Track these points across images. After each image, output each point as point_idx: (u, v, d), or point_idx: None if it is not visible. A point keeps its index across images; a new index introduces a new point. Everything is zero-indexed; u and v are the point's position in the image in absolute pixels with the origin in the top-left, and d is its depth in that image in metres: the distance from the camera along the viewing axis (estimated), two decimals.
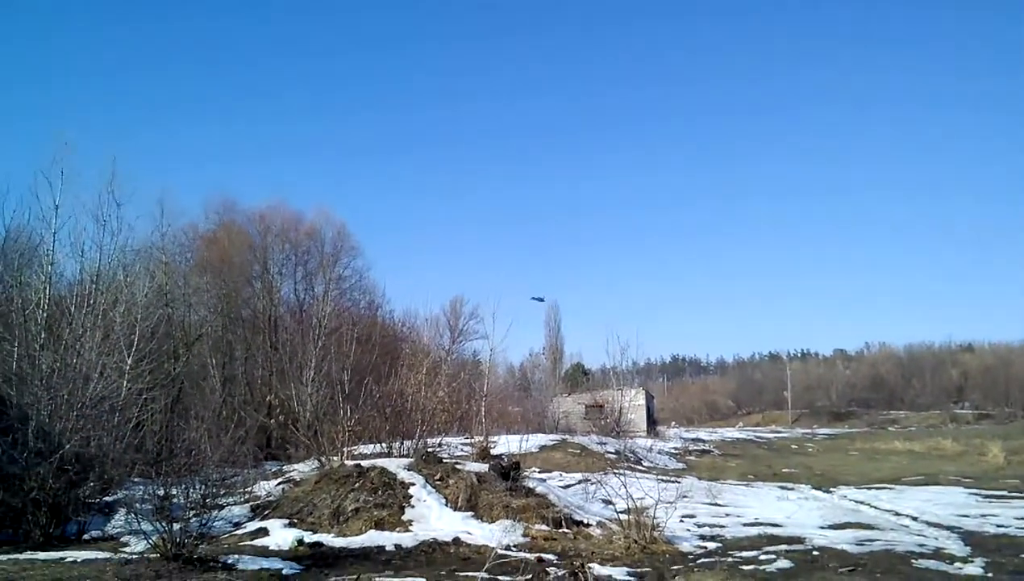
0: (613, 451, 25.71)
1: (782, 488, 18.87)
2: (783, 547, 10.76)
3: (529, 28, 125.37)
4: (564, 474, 19.84)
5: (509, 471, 13.99)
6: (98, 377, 14.01)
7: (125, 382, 15.44)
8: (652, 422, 43.24)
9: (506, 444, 20.74)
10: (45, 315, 16.59)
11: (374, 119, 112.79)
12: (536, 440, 25.49)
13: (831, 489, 18.42)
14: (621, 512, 11.69)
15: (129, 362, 15.99)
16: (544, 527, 11.74)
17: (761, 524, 13.01)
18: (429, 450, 16.89)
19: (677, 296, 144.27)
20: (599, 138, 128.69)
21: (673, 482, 17.96)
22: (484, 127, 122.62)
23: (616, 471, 16.38)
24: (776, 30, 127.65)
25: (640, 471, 20.98)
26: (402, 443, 17.63)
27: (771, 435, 54.72)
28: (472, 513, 12.28)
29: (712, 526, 12.86)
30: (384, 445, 17.70)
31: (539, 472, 18.99)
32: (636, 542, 10.61)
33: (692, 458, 29.74)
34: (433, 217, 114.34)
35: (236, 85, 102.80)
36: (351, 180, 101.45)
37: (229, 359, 28.41)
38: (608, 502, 13.08)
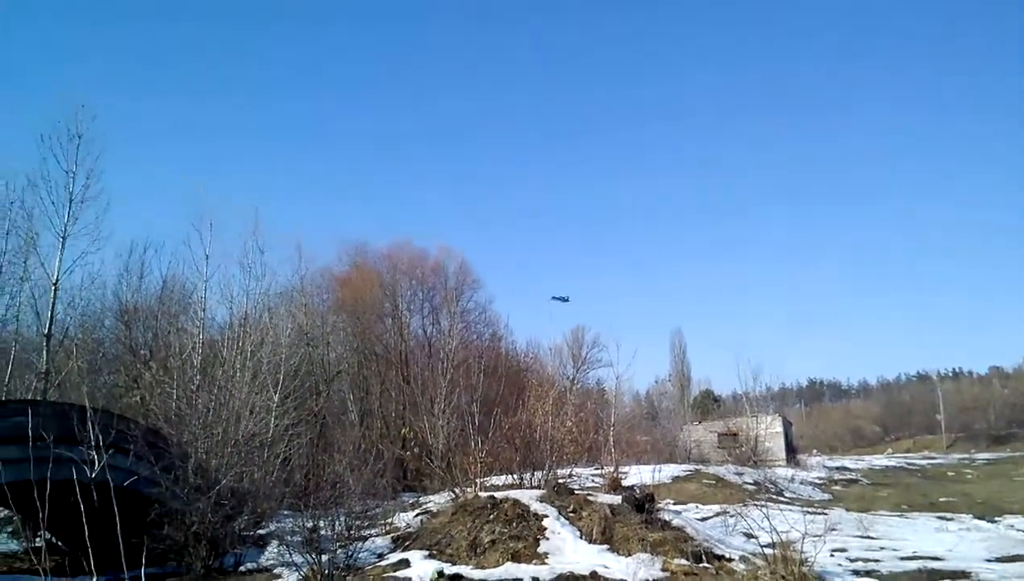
0: (751, 481, 24.75)
1: (940, 519, 17.57)
2: None
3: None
4: (700, 506, 19.30)
5: (643, 503, 13.78)
6: (249, 415, 15.00)
7: (273, 419, 16.41)
8: (791, 450, 41.23)
9: (637, 475, 20.39)
10: (200, 358, 17.98)
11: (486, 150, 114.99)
12: (668, 471, 24.94)
13: (996, 519, 16.97)
14: (765, 546, 11.22)
15: (276, 400, 16.99)
16: (683, 561, 11.45)
17: (920, 557, 12.18)
18: (560, 481, 16.87)
19: (812, 316, 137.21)
20: (728, 163, 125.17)
21: (820, 514, 17.08)
22: (609, 154, 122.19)
23: (756, 503, 15.77)
24: None
25: (782, 502, 20.06)
26: (532, 474, 17.69)
27: (924, 462, 50.84)
28: (607, 546, 12.16)
29: (866, 560, 12.15)
30: (515, 476, 17.84)
31: (673, 504, 18.56)
32: (783, 578, 10.16)
33: (838, 488, 28.12)
34: (549, 246, 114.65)
35: (355, 124, 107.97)
36: (469, 214, 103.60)
37: (365, 394, 29.61)
38: (750, 535, 12.61)
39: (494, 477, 18.24)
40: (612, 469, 19.53)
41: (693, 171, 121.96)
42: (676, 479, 24.00)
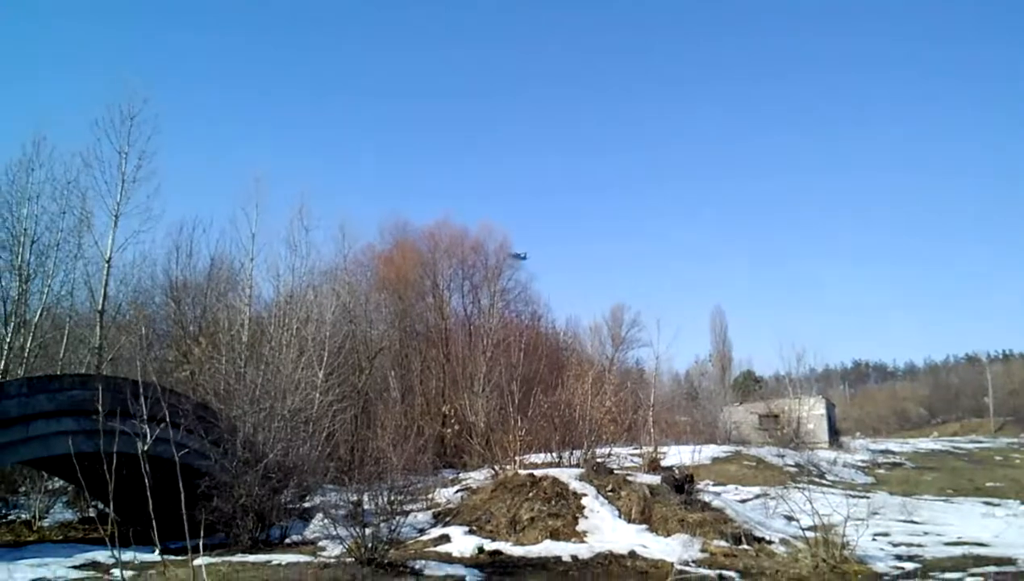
0: (793, 464, 24.48)
1: (987, 504, 17.22)
2: (992, 568, 9.85)
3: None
4: (740, 488, 19.16)
5: (683, 483, 13.77)
6: (295, 390, 15.32)
7: (318, 395, 16.72)
8: (834, 432, 40.61)
9: (677, 455, 20.38)
10: (247, 334, 18.40)
11: (533, 125, 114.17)
12: (708, 451, 24.80)
13: None
14: (806, 529, 11.15)
15: (321, 376, 17.31)
16: (723, 543, 11.44)
17: (965, 543, 11.96)
18: (599, 460, 16.92)
19: (857, 296, 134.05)
20: (764, 139, 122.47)
21: (862, 497, 16.88)
22: (657, 127, 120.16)
23: (798, 485, 15.63)
24: None
25: (824, 485, 19.84)
26: (571, 453, 17.79)
27: (971, 445, 49.64)
28: (646, 526, 12.20)
29: (909, 545, 11.99)
30: (554, 455, 17.95)
31: (713, 485, 18.48)
32: (824, 561, 10.08)
33: (882, 471, 27.66)
34: (591, 223, 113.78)
35: (394, 103, 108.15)
36: (511, 191, 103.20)
37: (406, 372, 29.94)
38: (791, 518, 12.53)
39: (533, 455, 18.38)
40: (651, 449, 19.53)
41: (734, 146, 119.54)
42: (716, 460, 23.84)
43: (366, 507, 10.61)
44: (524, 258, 44.02)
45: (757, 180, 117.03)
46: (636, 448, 21.90)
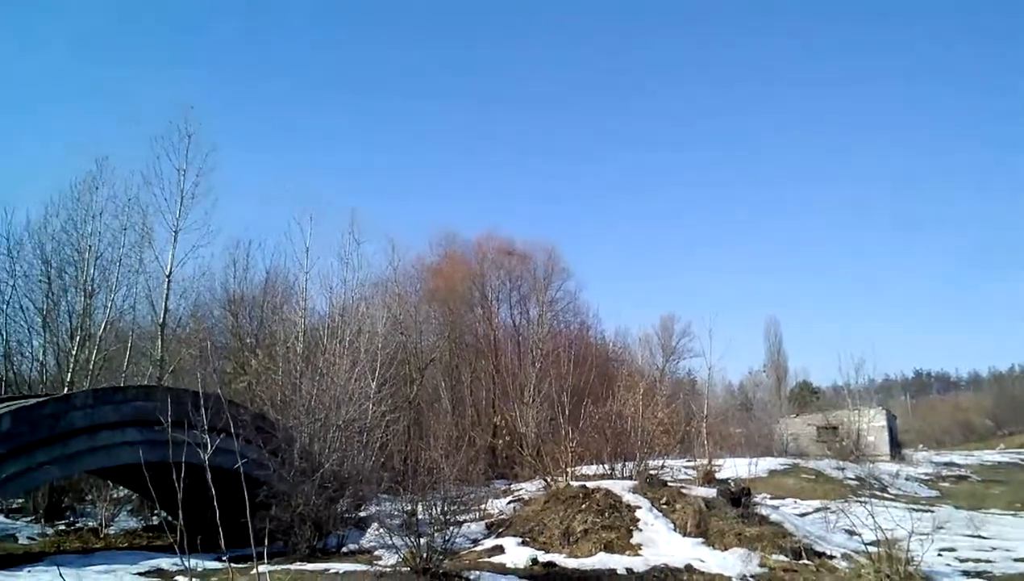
0: (853, 477, 23.86)
1: None
2: None
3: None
4: (799, 501, 18.76)
5: (739, 497, 13.52)
6: (348, 401, 15.49)
7: (371, 405, 16.88)
8: (895, 445, 39.46)
9: (732, 468, 20.00)
10: (302, 345, 18.74)
11: (581, 137, 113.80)
12: (765, 464, 24.32)
13: None
14: (869, 544, 10.81)
15: (373, 387, 17.48)
16: (782, 557, 11.17)
17: None
18: (652, 472, 16.72)
19: (918, 305, 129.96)
20: (814, 145, 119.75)
21: (926, 511, 16.32)
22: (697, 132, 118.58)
23: (859, 499, 15.20)
24: None
25: (886, 499, 19.27)
26: (624, 465, 17.61)
27: None
28: (702, 540, 11.99)
29: (976, 561, 11.57)
30: (606, 466, 17.80)
31: (771, 499, 18.11)
32: (888, 577, 9.76)
33: (946, 484, 26.76)
34: (639, 232, 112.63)
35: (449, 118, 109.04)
36: (558, 200, 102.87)
37: (456, 382, 30.10)
38: (852, 532, 12.17)
39: (584, 467, 18.26)
40: (705, 461, 19.20)
41: (793, 152, 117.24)
42: (773, 473, 23.38)
43: (420, 517, 10.66)
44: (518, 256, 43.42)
45: (815, 186, 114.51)
46: (690, 460, 21.60)
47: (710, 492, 13.82)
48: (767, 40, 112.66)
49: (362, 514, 14.15)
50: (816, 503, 17.84)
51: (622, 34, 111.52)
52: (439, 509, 10.43)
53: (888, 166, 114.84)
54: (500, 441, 23.55)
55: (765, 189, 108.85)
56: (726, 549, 11.51)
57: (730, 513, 12.73)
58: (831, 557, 11.49)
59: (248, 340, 22.55)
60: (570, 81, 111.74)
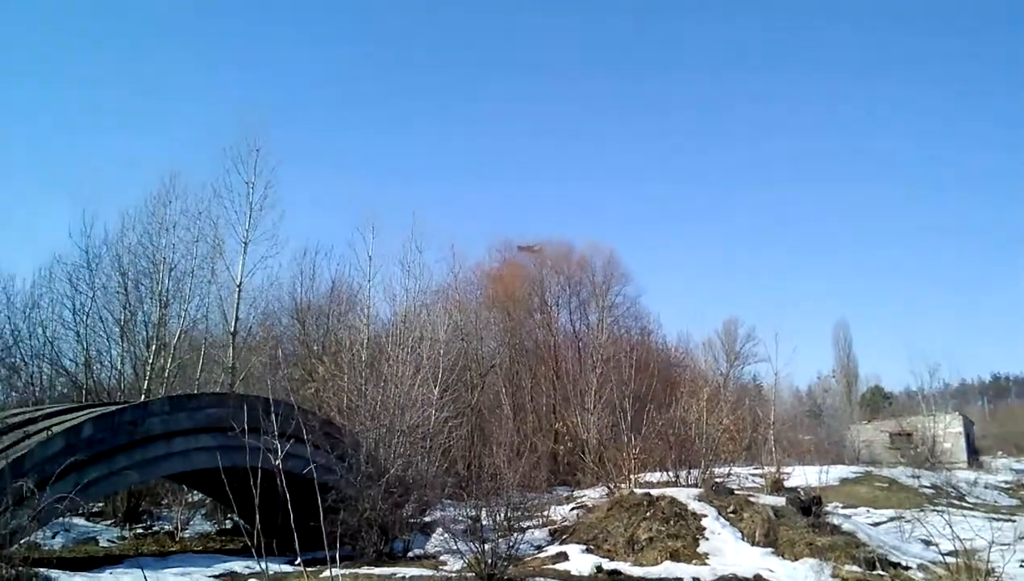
0: (928, 485, 22.97)
1: None
2: None
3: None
4: (872, 510, 18.18)
5: (809, 505, 13.20)
6: (412, 407, 15.70)
7: (434, 411, 17.05)
8: (973, 451, 37.90)
9: (802, 476, 19.49)
10: (367, 352, 19.08)
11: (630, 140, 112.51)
12: (836, 472, 23.64)
13: None
14: (946, 554, 10.40)
15: (436, 393, 17.66)
16: (855, 568, 10.84)
17: None
18: (717, 480, 16.46)
19: (995, 307, 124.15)
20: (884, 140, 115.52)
21: (1007, 520, 15.60)
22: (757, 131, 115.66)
23: (935, 508, 14.64)
24: None
25: (964, 508, 18.49)
26: (688, 472, 17.37)
27: None
28: (771, 549, 11.76)
29: None
30: (670, 474, 17.59)
31: (842, 507, 17.60)
32: None
33: None
34: (700, 235, 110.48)
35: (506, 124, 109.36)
36: (617, 205, 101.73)
37: (517, 388, 30.16)
38: (929, 542, 11.77)
39: (647, 474, 18.08)
40: (773, 469, 18.80)
41: (858, 145, 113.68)
42: (844, 481, 22.71)
43: (484, 523, 10.73)
44: (538, 251, 41.30)
45: (883, 185, 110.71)
46: (757, 468, 21.16)
47: (779, 500, 13.53)
48: (832, 30, 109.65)
49: (427, 519, 14.29)
50: (890, 512, 17.26)
51: (678, 30, 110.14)
52: (503, 515, 10.49)
53: (961, 167, 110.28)
54: (562, 447, 23.50)
55: (832, 187, 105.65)
56: (796, 559, 11.24)
57: (800, 522, 12.44)
58: (907, 568, 11.12)
59: (315, 347, 23.09)
60: (627, 82, 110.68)
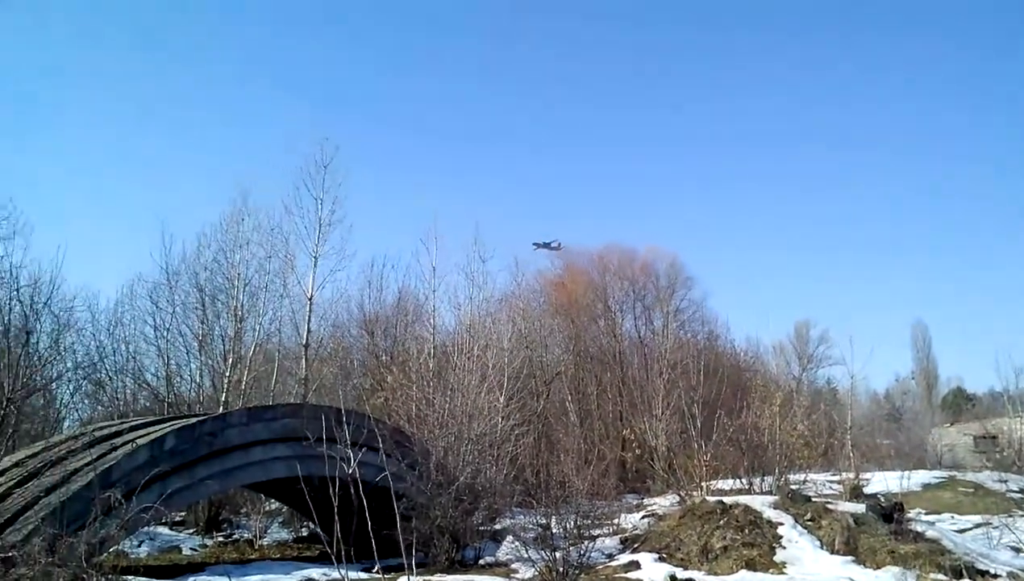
0: (1017, 490, 21.83)
1: None
2: None
3: None
4: (956, 516, 17.36)
5: (891, 512, 12.74)
6: (479, 415, 15.83)
7: (500, 419, 17.16)
8: None
9: (882, 482, 18.84)
10: (433, 362, 19.35)
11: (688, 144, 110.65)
12: (917, 477, 22.65)
13: None
14: None
15: (502, 401, 17.77)
16: (941, 577, 10.41)
17: None
18: (793, 487, 16.04)
19: None
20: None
21: None
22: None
23: None
24: None
25: None
26: (762, 479, 16.99)
27: None
28: (852, 558, 11.39)
29: None
30: (743, 481, 17.24)
31: (925, 514, 16.88)
32: None
33: None
34: (766, 236, 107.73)
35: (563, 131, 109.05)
36: (682, 208, 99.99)
37: (583, 395, 30.05)
38: (1018, 549, 11.24)
39: (719, 481, 17.76)
40: (851, 475, 18.21)
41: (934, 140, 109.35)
42: (927, 486, 21.74)
43: (554, 531, 10.72)
44: (558, 248, 40.11)
45: (960, 180, 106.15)
46: (834, 474, 20.52)
47: (858, 507, 13.11)
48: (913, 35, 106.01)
49: (497, 527, 14.36)
50: (976, 518, 16.44)
51: (738, 31, 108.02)
52: (572, 523, 10.45)
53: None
54: (630, 455, 23.23)
55: (905, 182, 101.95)
56: (878, 567, 10.87)
57: (881, 529, 12.02)
58: (995, 576, 10.62)
59: (383, 357, 23.53)
60: (691, 82, 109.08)
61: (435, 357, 19.37)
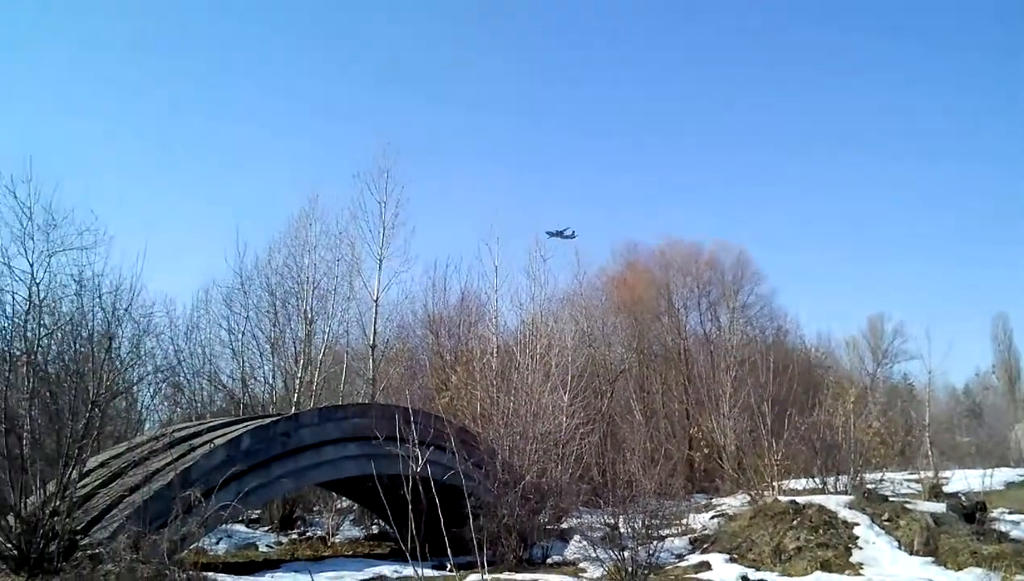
0: None
1: None
2: None
3: None
4: None
5: (973, 512, 12.29)
6: (543, 414, 15.87)
7: (564, 418, 17.14)
8: None
9: (962, 480, 18.16)
10: (497, 361, 19.47)
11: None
12: (1000, 475, 21.71)
13: None
14: None
15: (566, 400, 17.74)
16: None
17: None
18: (869, 487, 15.60)
19: None
20: None
21: None
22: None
23: None
24: None
25: None
26: (836, 478, 16.57)
27: None
28: (932, 559, 11.04)
29: None
30: (816, 480, 16.84)
31: (1010, 514, 16.17)
32: None
33: None
34: (838, 230, 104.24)
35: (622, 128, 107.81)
36: (749, 202, 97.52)
37: (647, 394, 29.79)
38: None
39: (791, 481, 17.40)
40: (930, 474, 17.60)
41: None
42: (1010, 485, 20.83)
43: (621, 530, 10.67)
44: (572, 237, 38.35)
45: None
46: (912, 473, 19.87)
47: (938, 507, 12.68)
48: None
49: (564, 526, 14.38)
50: None
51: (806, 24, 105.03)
52: (640, 523, 10.38)
53: None
54: (698, 454, 22.93)
55: (985, 168, 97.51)
56: (960, 569, 10.52)
57: (963, 530, 11.61)
58: None
59: (447, 357, 23.80)
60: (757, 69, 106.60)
61: (498, 356, 19.48)
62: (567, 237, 37.82)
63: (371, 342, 20.96)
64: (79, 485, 9.95)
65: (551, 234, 36.47)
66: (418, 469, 7.76)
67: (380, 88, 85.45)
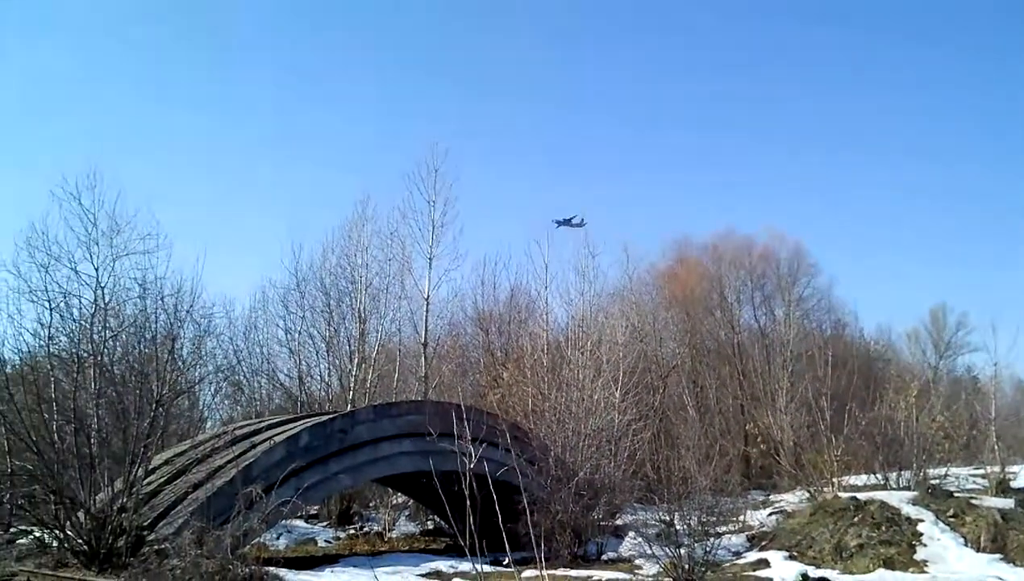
0: None
1: None
2: None
3: None
4: None
5: None
6: (595, 411, 15.82)
7: (616, 415, 17.06)
8: None
9: None
10: (547, 358, 19.49)
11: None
12: None
13: None
14: None
15: (618, 396, 17.66)
16: None
17: None
18: (932, 482, 15.18)
19: None
20: None
21: None
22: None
23: None
24: None
25: None
26: (899, 474, 16.16)
27: None
28: (999, 556, 10.78)
29: None
30: (877, 476, 16.45)
31: None
32: None
33: None
34: (898, 220, 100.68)
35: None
36: (799, 188, 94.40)
37: (701, 389, 29.41)
38: None
39: (851, 477, 17.04)
40: (997, 469, 17.01)
41: None
42: None
43: (677, 527, 10.59)
44: (581, 225, 35.89)
45: None
46: (977, 468, 19.21)
47: (1006, 503, 12.30)
48: None
49: (618, 522, 14.33)
50: None
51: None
52: (696, 519, 10.30)
53: None
54: (754, 450, 22.57)
55: None
56: None
57: None
58: None
59: (498, 354, 23.88)
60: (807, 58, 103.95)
61: (548, 353, 19.48)
62: (575, 225, 37.18)
63: (423, 340, 21.18)
64: (145, 482, 10.30)
65: (559, 223, 35.99)
66: (472, 465, 7.81)
67: (431, 79, 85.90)
